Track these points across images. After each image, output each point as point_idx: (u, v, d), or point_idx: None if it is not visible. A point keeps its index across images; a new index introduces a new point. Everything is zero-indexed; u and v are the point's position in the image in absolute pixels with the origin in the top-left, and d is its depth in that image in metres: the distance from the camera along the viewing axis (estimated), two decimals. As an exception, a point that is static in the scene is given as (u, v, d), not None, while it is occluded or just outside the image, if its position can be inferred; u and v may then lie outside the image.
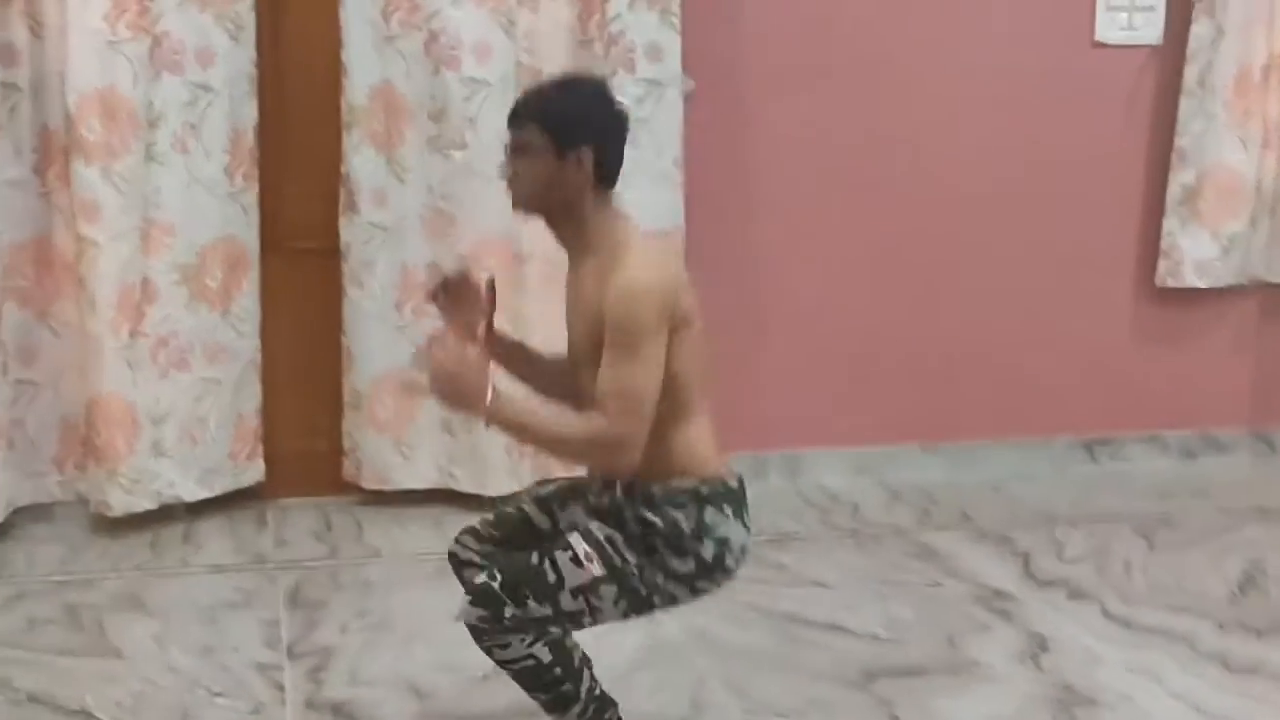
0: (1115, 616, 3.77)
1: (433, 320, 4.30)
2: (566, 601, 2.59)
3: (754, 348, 4.68)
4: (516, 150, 2.63)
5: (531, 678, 2.65)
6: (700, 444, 2.68)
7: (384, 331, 4.30)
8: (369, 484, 4.40)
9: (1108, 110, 4.81)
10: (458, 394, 2.56)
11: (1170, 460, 5.04)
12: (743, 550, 2.68)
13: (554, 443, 2.63)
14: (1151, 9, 4.77)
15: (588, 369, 2.60)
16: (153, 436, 4.20)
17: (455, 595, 2.74)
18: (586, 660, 2.77)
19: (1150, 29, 4.78)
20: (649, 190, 4.31)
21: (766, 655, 3.52)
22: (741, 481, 2.72)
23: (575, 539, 2.64)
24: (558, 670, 2.64)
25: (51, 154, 4.10)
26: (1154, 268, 4.88)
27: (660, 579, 2.63)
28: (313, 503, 4.46)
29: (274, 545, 4.20)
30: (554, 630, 2.63)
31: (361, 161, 4.22)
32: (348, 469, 4.43)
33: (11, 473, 4.15)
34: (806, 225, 4.65)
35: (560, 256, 2.74)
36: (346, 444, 4.41)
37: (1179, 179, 4.80)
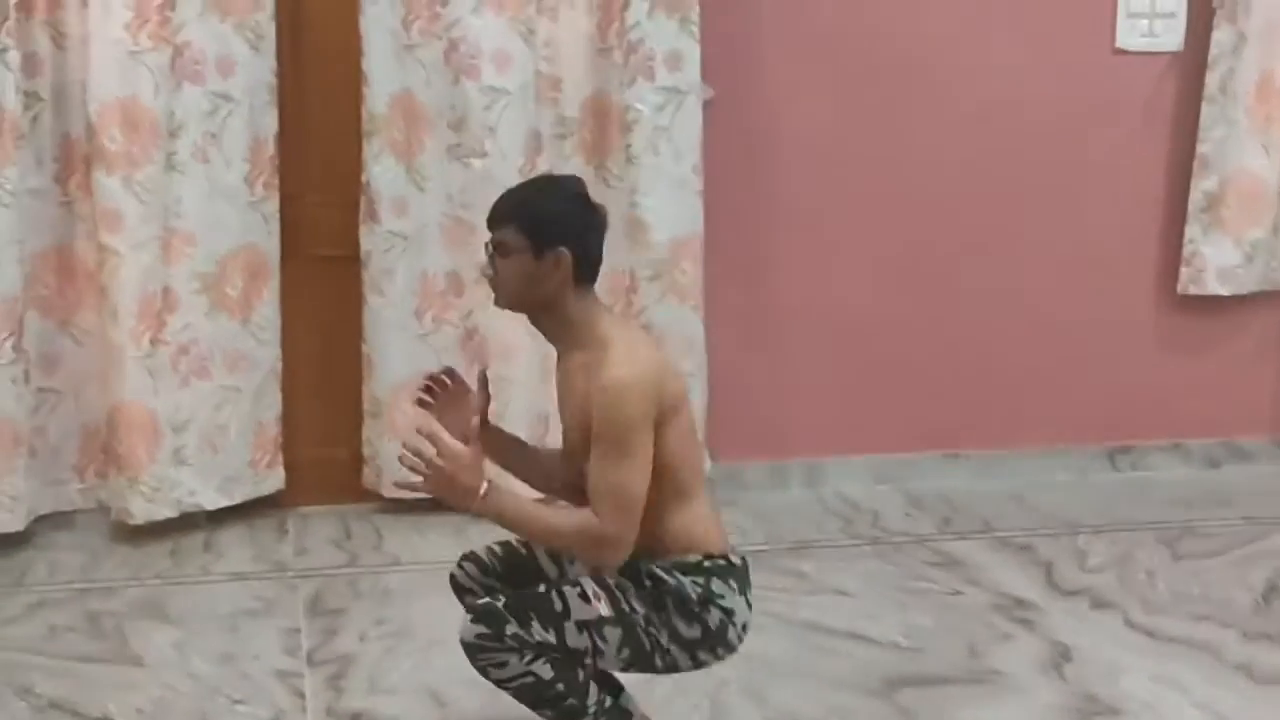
0: (1138, 626, 3.75)
1: (453, 328, 4.34)
2: (571, 634, 2.59)
3: (774, 355, 4.67)
4: (496, 250, 2.68)
5: (533, 695, 2.62)
6: (701, 525, 2.73)
7: (404, 339, 4.31)
8: (389, 492, 4.40)
9: (1129, 117, 4.79)
10: (452, 492, 2.60)
11: (1193, 469, 5.01)
12: (744, 627, 2.73)
13: (548, 536, 2.67)
14: (1172, 16, 4.75)
15: (581, 460, 2.65)
16: (173, 444, 4.21)
17: (475, 603, 2.73)
18: (608, 680, 2.76)
19: (1171, 36, 4.76)
20: (668, 197, 4.32)
21: (787, 663, 3.51)
22: (745, 560, 2.76)
23: (585, 579, 2.67)
24: (560, 686, 2.61)
25: (73, 163, 4.12)
26: (1176, 275, 4.86)
27: (664, 639, 2.65)
28: (333, 511, 4.47)
29: (294, 553, 4.20)
30: (556, 657, 2.60)
31: (381, 170, 4.23)
32: (368, 477, 4.43)
33: (33, 481, 4.16)
34: (826, 232, 4.65)
35: None
36: (367, 452, 4.42)
37: (1201, 186, 4.77)
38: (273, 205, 4.26)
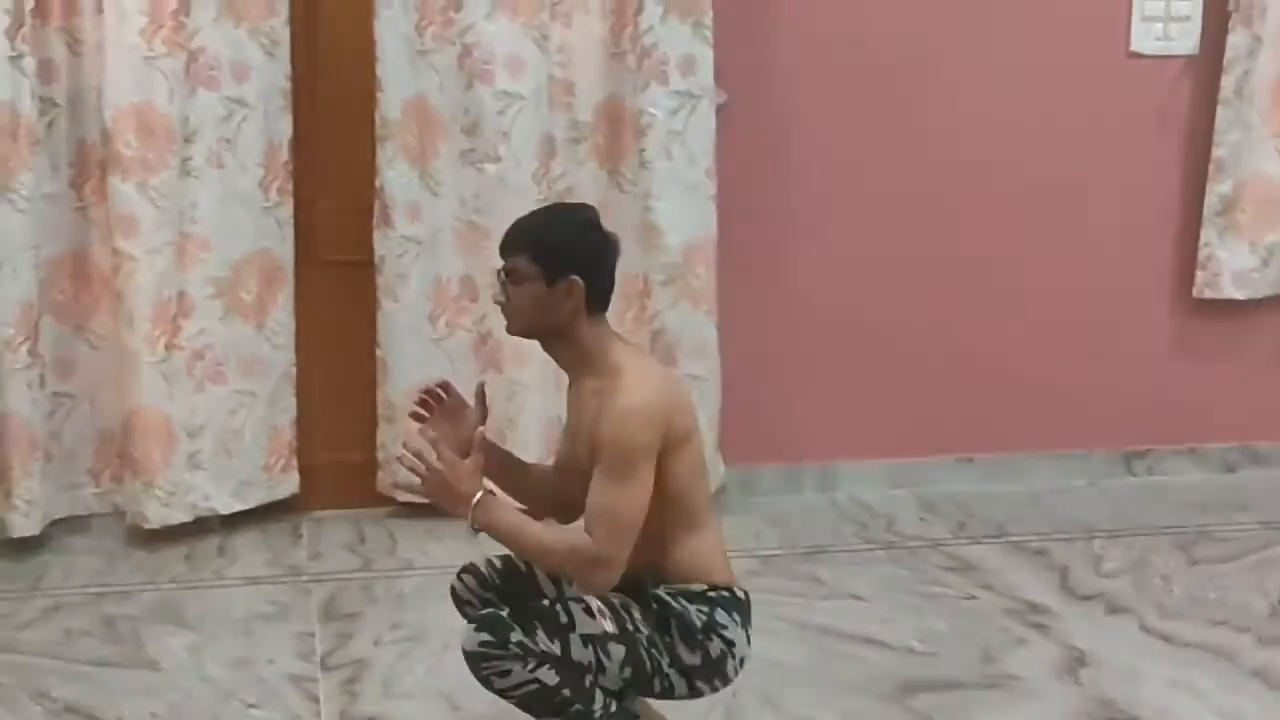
0: (1154, 631, 3.74)
1: (467, 333, 4.35)
2: (576, 647, 2.59)
3: (788, 359, 4.67)
4: (509, 277, 2.69)
5: (538, 702, 2.61)
6: (708, 555, 2.73)
7: (418, 344, 4.31)
8: (403, 496, 4.40)
9: (1143, 121, 4.78)
10: (447, 497, 2.62)
11: (1209, 473, 4.99)
12: (742, 661, 2.74)
13: (539, 553, 2.66)
14: (1187, 19, 4.74)
15: (588, 483, 2.65)
16: (188, 449, 4.22)
17: (489, 607, 2.73)
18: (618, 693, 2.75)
19: (1186, 39, 4.75)
20: (681, 201, 4.32)
21: (801, 668, 3.51)
22: (748, 596, 2.77)
23: (588, 596, 2.66)
24: (566, 691, 2.60)
25: (88, 169, 4.14)
26: (1191, 279, 4.84)
27: (665, 662, 2.66)
28: (347, 515, 4.47)
29: (308, 558, 4.21)
30: (560, 664, 2.59)
31: (395, 175, 4.24)
32: (382, 481, 4.44)
33: (49, 485, 4.18)
34: (839, 236, 4.64)
35: None
36: (381, 456, 4.42)
37: (1216, 189, 4.76)
38: (287, 210, 4.27)
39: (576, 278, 2.63)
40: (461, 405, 2.82)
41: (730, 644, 2.69)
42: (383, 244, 4.28)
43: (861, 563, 4.21)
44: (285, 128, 4.22)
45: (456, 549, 4.14)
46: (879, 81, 4.58)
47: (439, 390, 2.84)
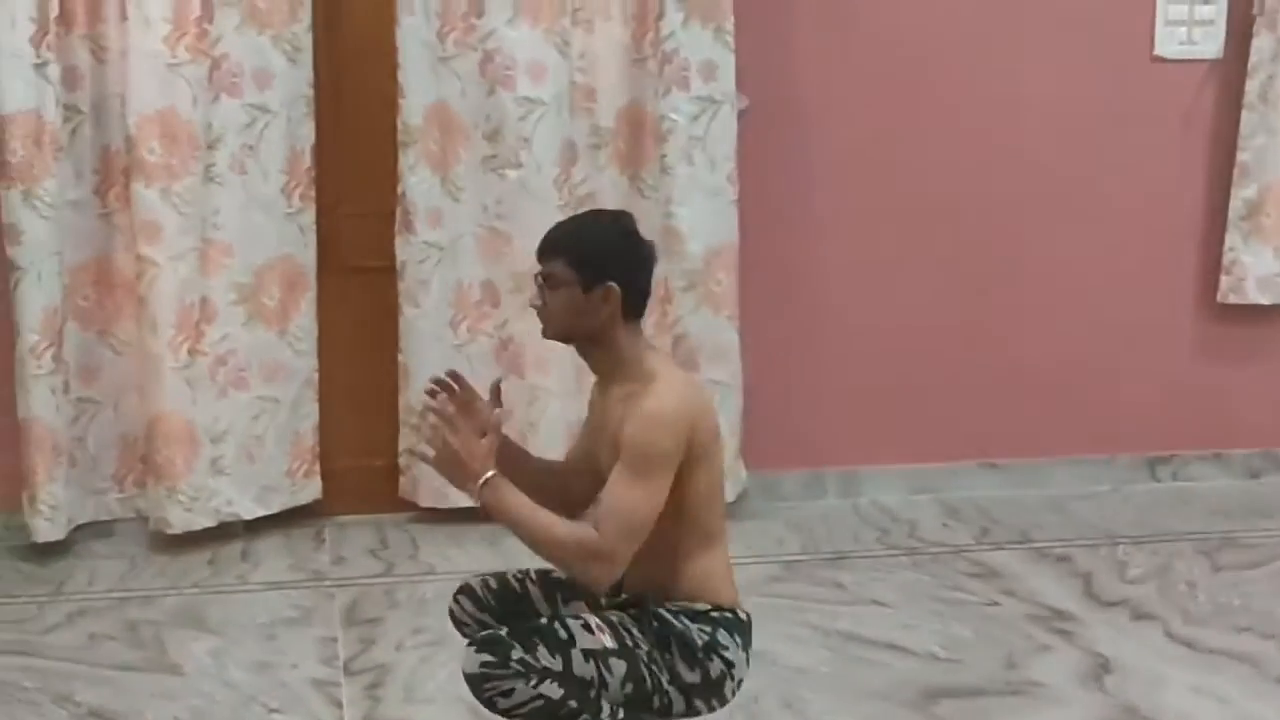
0: (1178, 637, 3.72)
1: (488, 338, 4.35)
2: (578, 662, 2.57)
3: (810, 364, 4.66)
4: (545, 282, 2.69)
5: (545, 717, 2.58)
6: (716, 575, 2.73)
7: (440, 349, 4.32)
8: (425, 501, 4.42)
9: (1168, 126, 4.76)
10: (458, 472, 2.61)
11: (1233, 479, 4.96)
12: (739, 683, 2.73)
13: (544, 540, 2.61)
14: (1211, 23, 4.72)
15: (598, 484, 2.65)
16: (211, 454, 4.24)
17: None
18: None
19: (1210, 43, 4.73)
20: (703, 207, 4.32)
21: (823, 674, 3.50)
22: (750, 618, 2.76)
23: (586, 614, 2.66)
24: (572, 704, 2.57)
25: (112, 175, 4.16)
26: (1216, 284, 4.82)
27: (665, 679, 2.64)
28: (369, 520, 4.48)
29: (331, 562, 4.22)
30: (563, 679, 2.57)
31: (417, 181, 4.25)
32: (404, 486, 4.45)
33: (73, 490, 4.20)
34: (861, 241, 4.63)
35: None
36: (403, 462, 4.43)
37: (1241, 194, 4.74)
38: (309, 216, 4.29)
39: (613, 284, 2.63)
40: (474, 398, 2.80)
41: (730, 665, 2.69)
42: (404, 250, 4.29)
43: (884, 568, 4.20)
44: (307, 134, 4.24)
45: (478, 555, 4.17)
46: (900, 87, 4.58)
47: (450, 381, 2.82)
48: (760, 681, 3.42)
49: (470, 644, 2.59)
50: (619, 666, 2.60)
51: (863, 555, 4.30)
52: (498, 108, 4.21)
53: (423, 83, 4.21)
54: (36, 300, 4.02)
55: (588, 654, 2.58)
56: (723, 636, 2.68)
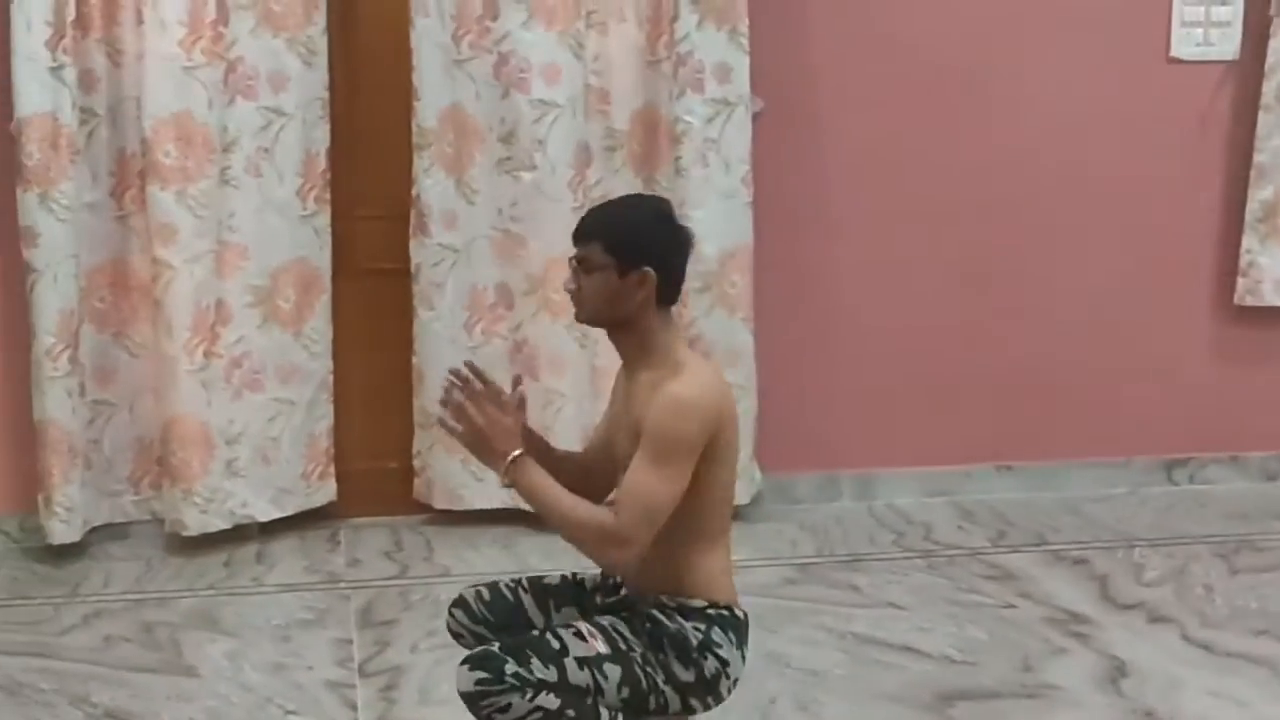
0: (1195, 641, 3.70)
1: (503, 340, 4.36)
2: (573, 671, 2.56)
3: (825, 366, 4.65)
4: (581, 265, 2.67)
5: None
6: (718, 572, 2.72)
7: (454, 352, 4.31)
8: (440, 504, 4.42)
9: (1184, 127, 4.75)
10: (484, 449, 2.61)
11: (1250, 481, 4.94)
12: (735, 682, 2.72)
13: (563, 520, 2.61)
14: (1228, 24, 4.70)
15: (618, 471, 2.64)
16: (226, 456, 4.25)
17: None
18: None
19: (1226, 44, 4.72)
20: (718, 209, 4.32)
21: (838, 676, 3.49)
22: (747, 617, 2.76)
23: (577, 621, 2.66)
24: (571, 712, 2.56)
25: (128, 178, 4.17)
26: (1233, 286, 4.80)
27: (660, 680, 2.64)
28: (384, 522, 4.49)
29: (346, 564, 4.22)
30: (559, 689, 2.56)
31: (432, 184, 4.25)
32: (419, 489, 4.45)
33: (88, 492, 4.21)
34: (877, 243, 4.63)
35: None
36: (417, 464, 4.43)
37: (1258, 195, 4.72)
38: (324, 219, 4.29)
39: (649, 269, 2.61)
40: (498, 392, 2.79)
41: (724, 663, 2.67)
42: (419, 252, 4.29)
43: (899, 571, 4.19)
44: (323, 137, 4.24)
45: (493, 556, 4.18)
46: (916, 89, 4.57)
47: (467, 373, 2.81)
48: (775, 684, 3.42)
49: (463, 662, 2.57)
50: (614, 671, 2.59)
51: (878, 558, 4.29)
52: (512, 110, 4.21)
53: (437, 85, 4.22)
54: (52, 302, 4.04)
55: (582, 662, 2.57)
56: (717, 635, 2.66)
